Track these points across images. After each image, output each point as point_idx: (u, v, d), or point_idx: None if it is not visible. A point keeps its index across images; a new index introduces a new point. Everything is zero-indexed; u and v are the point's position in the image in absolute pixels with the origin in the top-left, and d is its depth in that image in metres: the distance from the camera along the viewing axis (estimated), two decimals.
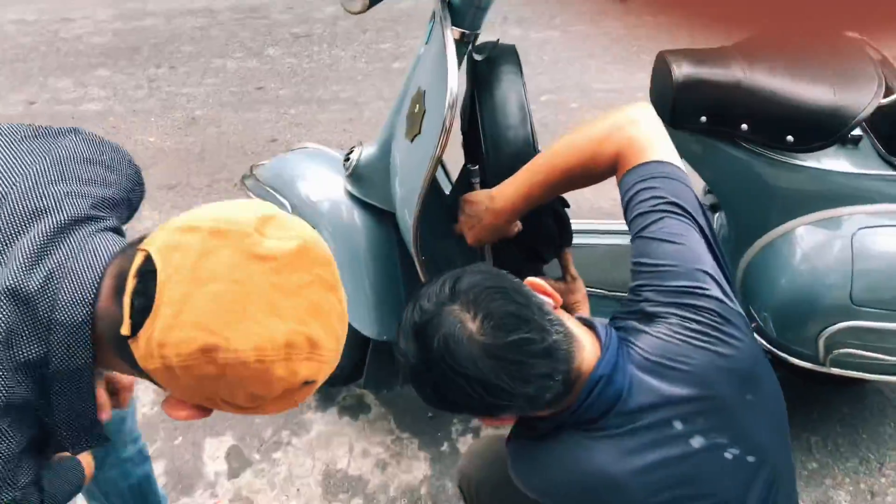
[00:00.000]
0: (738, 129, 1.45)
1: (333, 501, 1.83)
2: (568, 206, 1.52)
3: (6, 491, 0.76)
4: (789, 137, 1.42)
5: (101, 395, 1.04)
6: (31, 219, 0.80)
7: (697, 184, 1.78)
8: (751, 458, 1.00)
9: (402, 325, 1.00)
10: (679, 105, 1.47)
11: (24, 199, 0.81)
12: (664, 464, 0.98)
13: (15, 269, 0.76)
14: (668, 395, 0.97)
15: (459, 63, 1.30)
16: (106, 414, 1.03)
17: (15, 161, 0.85)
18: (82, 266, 0.77)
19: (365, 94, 3.64)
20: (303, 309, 0.73)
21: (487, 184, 1.46)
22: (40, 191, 0.82)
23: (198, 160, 3.18)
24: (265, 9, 4.57)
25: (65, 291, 0.76)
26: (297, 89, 3.72)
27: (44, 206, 0.81)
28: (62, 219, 0.80)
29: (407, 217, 1.48)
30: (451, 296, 0.95)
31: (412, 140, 1.40)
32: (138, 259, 0.73)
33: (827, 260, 1.49)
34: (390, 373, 1.87)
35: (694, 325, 1.00)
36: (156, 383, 0.77)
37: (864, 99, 1.39)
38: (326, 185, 1.75)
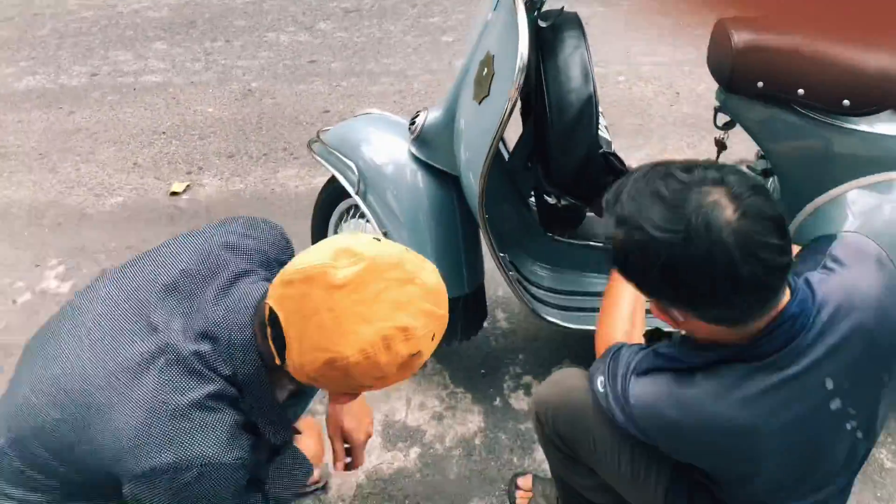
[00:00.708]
0: (794, 93, 1.50)
1: (393, 449, 1.94)
2: (623, 165, 1.58)
3: (235, 451, 1.06)
4: (846, 101, 1.46)
5: (339, 448, 1.43)
6: (215, 272, 1.17)
7: (751, 148, 1.84)
8: (860, 435, 1.07)
9: (630, 189, 0.98)
10: (737, 70, 1.52)
11: (205, 261, 1.18)
12: (804, 420, 1.03)
13: (205, 309, 1.11)
14: (835, 342, 1.01)
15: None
16: (340, 464, 1.43)
17: (200, 238, 1.23)
18: (247, 305, 1.11)
19: (414, 67, 3.71)
20: (386, 308, 0.98)
21: (549, 147, 1.53)
22: (218, 255, 1.20)
23: (255, 130, 3.30)
24: None
25: (237, 321, 1.10)
26: (349, 62, 3.81)
27: (222, 264, 1.18)
28: (233, 273, 1.17)
29: (472, 178, 1.55)
30: (714, 181, 0.94)
31: (480, 102, 1.47)
32: (266, 311, 1.04)
33: (877, 223, 1.53)
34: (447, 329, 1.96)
35: (878, 276, 1.05)
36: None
37: None
38: (391, 149, 1.83)
